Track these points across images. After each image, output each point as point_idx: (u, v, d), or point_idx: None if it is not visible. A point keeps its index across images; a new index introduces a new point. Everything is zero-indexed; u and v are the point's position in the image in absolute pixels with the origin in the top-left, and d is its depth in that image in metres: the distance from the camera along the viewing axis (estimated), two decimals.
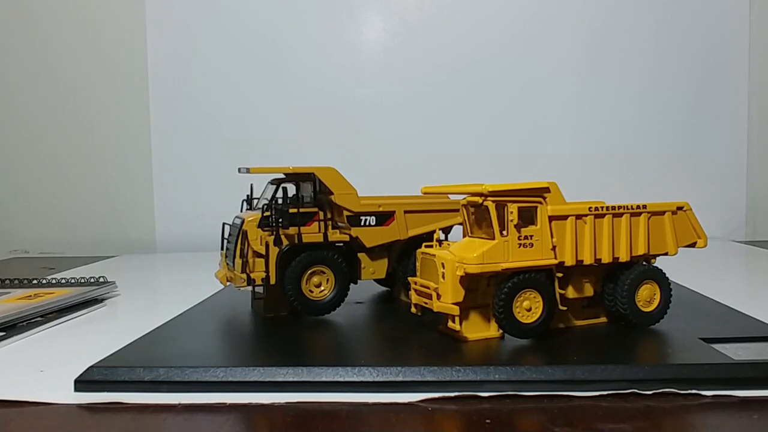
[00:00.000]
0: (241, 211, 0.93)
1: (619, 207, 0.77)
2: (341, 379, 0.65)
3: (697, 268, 1.16)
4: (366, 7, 1.84)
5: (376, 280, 1.02)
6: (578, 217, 0.75)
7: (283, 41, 1.82)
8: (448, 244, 0.78)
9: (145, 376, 0.66)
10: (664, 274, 0.80)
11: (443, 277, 0.73)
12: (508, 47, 1.82)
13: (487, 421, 0.57)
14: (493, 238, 0.72)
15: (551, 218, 0.74)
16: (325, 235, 0.88)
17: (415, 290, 0.78)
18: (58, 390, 0.65)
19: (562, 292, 0.76)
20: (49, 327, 0.92)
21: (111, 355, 0.72)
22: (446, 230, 0.96)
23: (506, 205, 0.73)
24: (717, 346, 0.70)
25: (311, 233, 0.88)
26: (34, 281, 1.19)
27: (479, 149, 1.82)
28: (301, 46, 1.83)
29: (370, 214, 0.92)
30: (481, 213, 0.75)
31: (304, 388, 0.64)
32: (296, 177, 0.89)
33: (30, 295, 1.04)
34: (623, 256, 0.77)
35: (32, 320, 0.93)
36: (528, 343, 0.73)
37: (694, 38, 1.81)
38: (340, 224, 0.91)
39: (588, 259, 0.75)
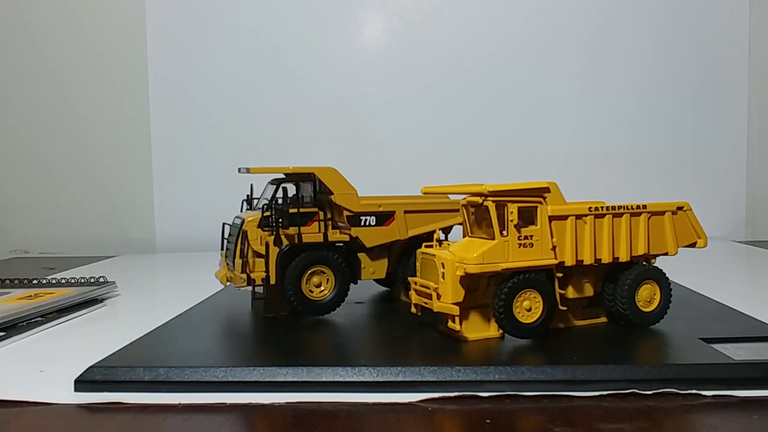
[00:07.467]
0: (241, 211, 0.93)
1: (619, 207, 0.77)
2: (341, 379, 0.65)
3: (697, 268, 1.16)
4: (366, 6, 1.84)
5: (376, 280, 1.02)
6: (578, 217, 0.75)
7: (283, 41, 1.82)
8: (448, 244, 0.78)
9: (145, 376, 0.66)
10: (664, 274, 0.80)
11: (443, 277, 0.73)
12: (508, 47, 1.82)
13: (487, 421, 0.57)
14: (493, 238, 0.72)
15: (551, 218, 0.74)
16: (325, 235, 0.88)
17: (415, 290, 0.78)
18: (58, 390, 0.65)
19: (562, 292, 0.76)
20: (49, 327, 0.92)
21: (111, 355, 0.72)
22: (446, 230, 0.96)
23: (506, 205, 0.73)
24: (717, 346, 0.70)
25: (311, 233, 0.88)
26: (34, 281, 1.19)
27: (479, 149, 1.82)
28: (301, 45, 1.83)
29: (370, 214, 0.92)
30: (481, 213, 0.75)
31: (304, 388, 0.64)
32: (296, 177, 0.89)
33: (30, 295, 1.04)
34: (623, 256, 0.77)
35: (32, 320, 0.93)
36: (528, 343, 0.73)
37: (694, 37, 1.81)
38: (340, 224, 0.91)
39: (588, 259, 0.75)
